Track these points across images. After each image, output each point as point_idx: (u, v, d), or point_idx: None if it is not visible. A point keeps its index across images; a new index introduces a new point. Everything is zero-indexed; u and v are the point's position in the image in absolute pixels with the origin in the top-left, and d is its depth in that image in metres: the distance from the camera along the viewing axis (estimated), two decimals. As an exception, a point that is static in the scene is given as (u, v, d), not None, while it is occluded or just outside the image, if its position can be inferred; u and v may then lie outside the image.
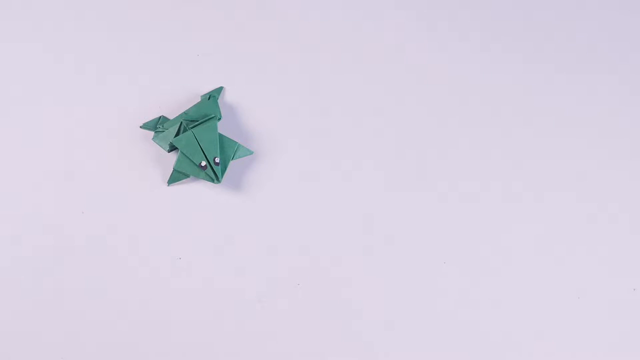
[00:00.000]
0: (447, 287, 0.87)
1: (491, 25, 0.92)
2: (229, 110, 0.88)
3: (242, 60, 0.89)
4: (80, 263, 0.84)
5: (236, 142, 0.86)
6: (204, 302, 0.85)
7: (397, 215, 0.87)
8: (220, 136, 0.86)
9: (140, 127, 0.87)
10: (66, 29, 0.88)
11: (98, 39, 0.88)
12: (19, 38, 0.88)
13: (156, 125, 0.87)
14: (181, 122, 0.86)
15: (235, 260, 0.86)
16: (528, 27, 0.92)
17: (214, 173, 0.85)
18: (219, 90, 0.88)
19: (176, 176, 0.86)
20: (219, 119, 0.87)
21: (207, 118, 0.86)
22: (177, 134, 0.86)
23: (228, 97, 0.89)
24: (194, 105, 0.87)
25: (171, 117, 0.87)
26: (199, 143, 0.85)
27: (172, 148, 0.86)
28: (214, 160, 0.85)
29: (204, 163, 0.84)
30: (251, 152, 0.87)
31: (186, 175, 0.86)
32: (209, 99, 0.87)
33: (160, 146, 0.86)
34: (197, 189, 0.87)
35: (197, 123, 0.86)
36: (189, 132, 0.85)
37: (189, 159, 0.85)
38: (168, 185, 0.86)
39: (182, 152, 0.85)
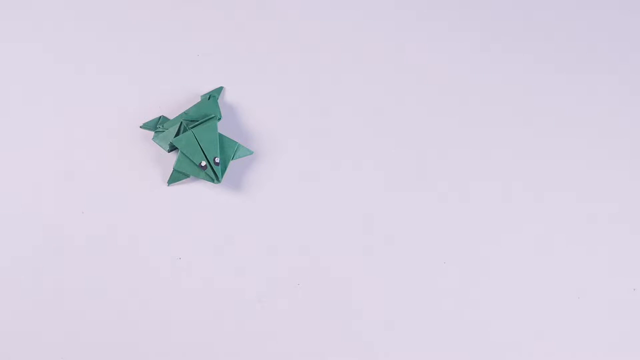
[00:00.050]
0: (447, 287, 0.87)
1: (491, 25, 0.92)
2: (229, 110, 0.88)
3: (242, 60, 0.89)
4: (80, 263, 0.84)
5: (236, 142, 0.86)
6: (204, 302, 0.85)
7: (397, 215, 0.87)
8: (220, 136, 0.86)
9: (140, 127, 0.87)
10: (66, 29, 0.88)
11: (98, 39, 0.88)
12: (19, 38, 0.88)
13: (156, 125, 0.87)
14: (181, 122, 0.86)
15: (235, 260, 0.86)
16: (528, 27, 0.92)
17: (214, 173, 0.85)
18: (219, 90, 0.88)
19: (176, 176, 0.86)
20: (219, 119, 0.87)
21: (207, 118, 0.86)
22: (177, 134, 0.86)
23: (228, 97, 0.89)
24: (194, 105, 0.87)
25: (171, 117, 0.87)
26: (199, 143, 0.85)
27: (172, 148, 0.86)
28: (214, 160, 0.85)
29: (204, 163, 0.84)
30: (251, 152, 0.87)
31: (186, 175, 0.86)
32: (209, 99, 0.87)
33: (160, 146, 0.86)
34: (197, 189, 0.87)
35: (197, 123, 0.86)
36: (189, 132, 0.85)
37: (189, 159, 0.85)
38: (168, 185, 0.86)
39: (182, 152, 0.85)
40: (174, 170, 0.85)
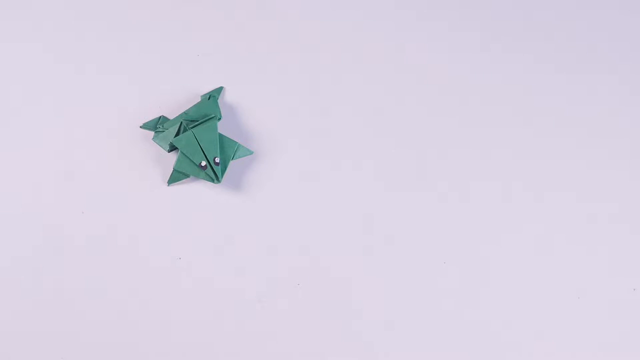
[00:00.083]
0: (447, 287, 0.87)
1: (491, 25, 0.92)
2: (229, 110, 0.88)
3: (242, 60, 0.89)
4: (80, 263, 0.84)
5: (236, 142, 0.86)
6: (204, 302, 0.85)
7: (397, 215, 0.87)
8: (220, 136, 0.86)
9: (140, 127, 0.87)
10: (66, 29, 0.88)
11: (98, 39, 0.88)
12: (19, 38, 0.88)
13: (156, 125, 0.87)
14: (181, 122, 0.86)
15: (235, 260, 0.86)
16: (528, 27, 0.92)
17: (214, 173, 0.85)
18: (219, 90, 0.88)
19: (176, 176, 0.86)
20: (219, 119, 0.87)
21: (207, 118, 0.86)
22: (177, 134, 0.86)
23: (228, 97, 0.89)
24: (194, 105, 0.87)
25: (171, 117, 0.87)
26: (199, 143, 0.85)
27: (172, 148, 0.86)
28: (214, 160, 0.85)
29: (204, 163, 0.84)
30: (251, 152, 0.87)
31: (186, 175, 0.86)
32: (209, 99, 0.87)
33: (160, 146, 0.86)
34: (197, 189, 0.87)
35: (197, 123, 0.86)
36: (189, 132, 0.85)
37: (189, 159, 0.85)
38: (168, 185, 0.86)
39: (182, 152, 0.85)
40: (174, 170, 0.85)
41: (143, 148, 0.87)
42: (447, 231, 0.88)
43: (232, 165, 0.87)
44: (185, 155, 0.85)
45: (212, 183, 0.86)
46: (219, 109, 0.87)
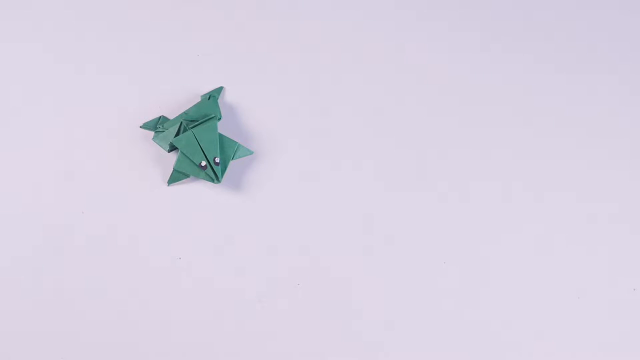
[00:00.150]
0: (447, 287, 0.87)
1: (491, 25, 0.92)
2: (229, 110, 0.88)
3: (242, 60, 0.89)
4: (80, 263, 0.84)
5: (236, 142, 0.86)
6: (204, 302, 0.85)
7: (397, 215, 0.87)
8: (220, 136, 0.86)
9: (140, 127, 0.87)
10: (66, 29, 0.88)
11: (98, 39, 0.88)
12: (19, 38, 0.88)
13: (156, 125, 0.87)
14: (181, 122, 0.86)
15: (235, 260, 0.86)
16: (528, 27, 0.92)
17: (214, 173, 0.85)
18: (219, 90, 0.88)
19: (176, 176, 0.86)
20: (219, 119, 0.87)
21: (207, 118, 0.86)
22: (177, 134, 0.86)
23: (228, 97, 0.89)
24: (194, 105, 0.87)
25: (171, 117, 0.87)
26: (199, 143, 0.85)
27: (172, 148, 0.86)
28: (214, 160, 0.85)
29: (204, 163, 0.84)
30: (251, 152, 0.87)
31: (186, 175, 0.86)
32: (209, 99, 0.87)
33: (160, 146, 0.86)
34: (197, 189, 0.87)
35: (197, 123, 0.86)
36: (189, 132, 0.85)
37: (189, 159, 0.85)
38: (168, 185, 0.86)
39: (182, 152, 0.85)
40: (174, 170, 0.85)
41: (143, 148, 0.87)
42: (447, 231, 0.88)
43: (232, 165, 0.87)
44: (185, 155, 0.85)
45: (212, 183, 0.86)
46: (219, 109, 0.87)
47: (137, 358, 0.84)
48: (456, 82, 0.90)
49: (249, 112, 0.88)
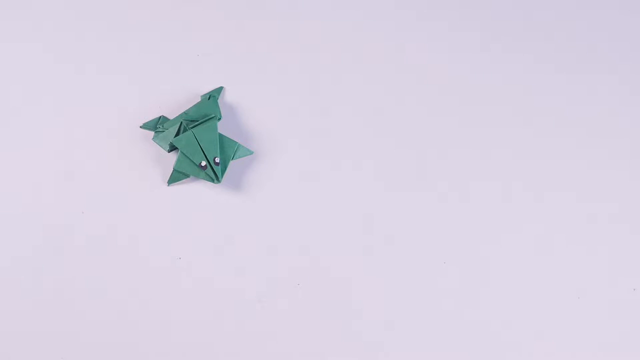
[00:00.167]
0: (447, 287, 0.87)
1: (491, 25, 0.92)
2: (229, 110, 0.88)
3: (242, 60, 0.89)
4: (80, 263, 0.84)
5: (236, 142, 0.86)
6: (204, 302, 0.85)
7: (397, 215, 0.87)
8: (220, 136, 0.86)
9: (140, 127, 0.87)
10: (66, 29, 0.88)
11: (98, 39, 0.88)
12: (19, 38, 0.88)
13: (156, 125, 0.87)
14: (181, 122, 0.86)
15: (235, 260, 0.86)
16: (528, 27, 0.92)
17: (214, 173, 0.85)
18: (219, 90, 0.88)
19: (176, 176, 0.86)
20: (219, 119, 0.87)
21: (207, 118, 0.86)
22: (177, 134, 0.86)
23: (228, 97, 0.89)
24: (194, 105, 0.87)
25: (171, 117, 0.87)
26: (199, 143, 0.85)
27: (172, 148, 0.86)
28: (214, 160, 0.85)
29: (204, 163, 0.84)
30: (251, 152, 0.87)
31: (186, 175, 0.86)
32: (209, 99, 0.87)
33: (160, 146, 0.86)
34: (197, 189, 0.87)
35: (197, 123, 0.86)
36: (189, 132, 0.85)
37: (189, 159, 0.85)
38: (168, 185, 0.86)
39: (182, 152, 0.85)
40: (174, 170, 0.85)
41: (143, 148, 0.87)
42: (447, 231, 0.88)
43: (232, 165, 0.87)
44: (185, 155, 0.85)
45: (212, 183, 0.86)
46: (219, 109, 0.87)
47: (137, 358, 0.84)
48: (456, 82, 0.90)
49: (249, 112, 0.88)
